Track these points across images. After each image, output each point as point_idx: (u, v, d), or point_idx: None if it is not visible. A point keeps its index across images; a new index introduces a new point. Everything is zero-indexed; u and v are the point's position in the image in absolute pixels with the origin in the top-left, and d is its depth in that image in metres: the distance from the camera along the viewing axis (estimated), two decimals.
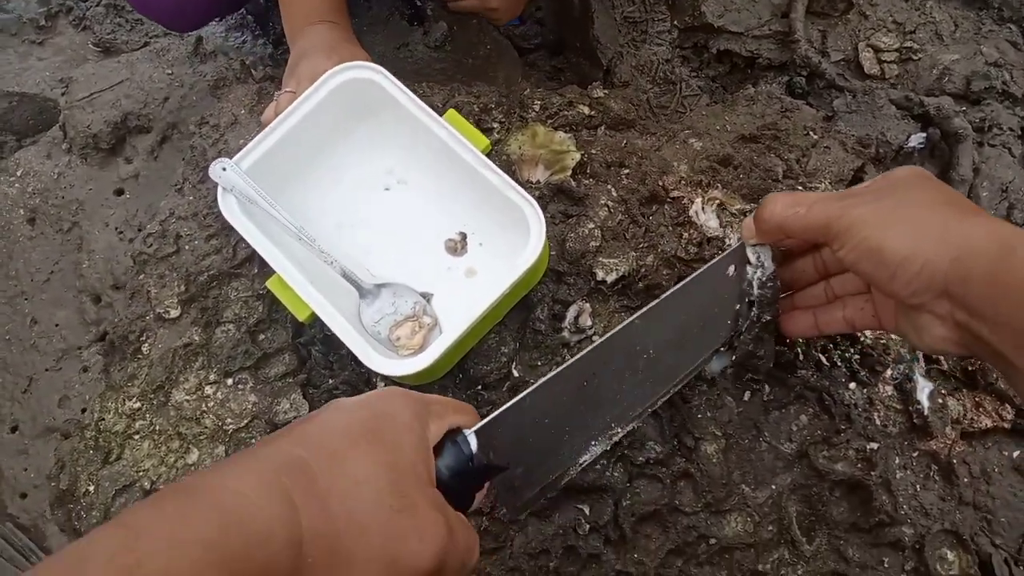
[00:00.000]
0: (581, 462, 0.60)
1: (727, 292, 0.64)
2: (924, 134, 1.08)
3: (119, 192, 1.01)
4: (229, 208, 0.67)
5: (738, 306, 0.65)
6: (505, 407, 0.54)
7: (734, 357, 0.69)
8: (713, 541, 0.70)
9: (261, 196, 0.66)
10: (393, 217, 0.75)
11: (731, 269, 0.63)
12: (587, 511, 0.69)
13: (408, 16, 1.18)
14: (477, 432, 0.51)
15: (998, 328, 0.45)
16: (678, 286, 0.62)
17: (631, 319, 0.60)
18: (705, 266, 0.63)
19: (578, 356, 0.57)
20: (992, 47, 1.16)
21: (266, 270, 0.74)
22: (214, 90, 0.96)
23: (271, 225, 0.68)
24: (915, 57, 1.15)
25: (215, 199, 0.70)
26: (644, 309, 0.60)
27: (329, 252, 0.67)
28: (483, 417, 0.53)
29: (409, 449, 0.45)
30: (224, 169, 0.66)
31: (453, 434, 0.50)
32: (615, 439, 0.61)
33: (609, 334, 0.59)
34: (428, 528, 0.42)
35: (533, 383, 0.56)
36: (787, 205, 0.55)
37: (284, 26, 0.91)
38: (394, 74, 0.74)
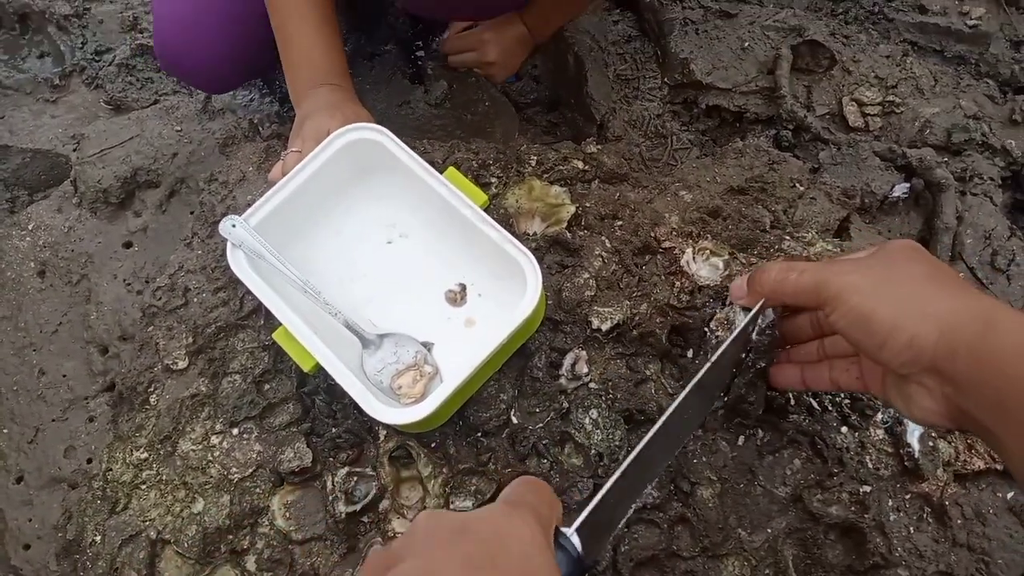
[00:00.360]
0: (620, 525, 0.62)
1: (739, 346, 0.65)
2: (908, 184, 1.11)
3: (127, 245, 1.04)
4: (238, 263, 0.69)
5: (743, 355, 0.67)
6: (598, 498, 0.51)
7: (726, 399, 0.71)
8: None
9: (269, 251, 0.69)
10: (395, 269, 0.78)
11: (751, 327, 0.65)
12: None
13: (409, 75, 1.23)
14: (577, 530, 0.49)
15: (982, 402, 0.46)
16: (722, 348, 0.62)
17: (687, 390, 0.59)
18: (738, 329, 0.64)
19: (649, 436, 0.56)
20: (971, 100, 1.20)
21: (271, 322, 0.77)
22: (223, 148, 1.00)
23: (277, 279, 0.71)
24: (897, 110, 1.19)
25: (223, 253, 0.73)
26: (697, 376, 0.60)
27: (333, 304, 0.70)
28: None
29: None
30: (234, 226, 0.69)
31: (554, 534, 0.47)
32: (645, 494, 0.64)
33: (671, 409, 0.58)
34: None
35: (613, 468, 0.58)
36: (780, 271, 0.57)
37: (289, 89, 0.95)
38: (396, 131, 0.77)
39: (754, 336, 0.65)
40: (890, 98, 1.20)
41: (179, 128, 1.12)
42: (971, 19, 1.25)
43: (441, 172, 0.75)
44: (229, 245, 0.70)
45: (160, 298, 0.80)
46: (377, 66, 1.21)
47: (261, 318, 0.78)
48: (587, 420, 0.75)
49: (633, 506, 0.61)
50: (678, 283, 0.81)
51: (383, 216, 0.79)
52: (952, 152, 1.17)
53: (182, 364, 0.78)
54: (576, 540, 0.48)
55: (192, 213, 0.89)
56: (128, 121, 1.16)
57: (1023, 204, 1.18)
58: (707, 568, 0.71)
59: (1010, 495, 0.78)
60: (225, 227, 0.69)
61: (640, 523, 0.71)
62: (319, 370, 0.67)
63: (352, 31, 1.26)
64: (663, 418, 0.58)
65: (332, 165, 0.75)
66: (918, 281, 0.51)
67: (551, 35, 1.18)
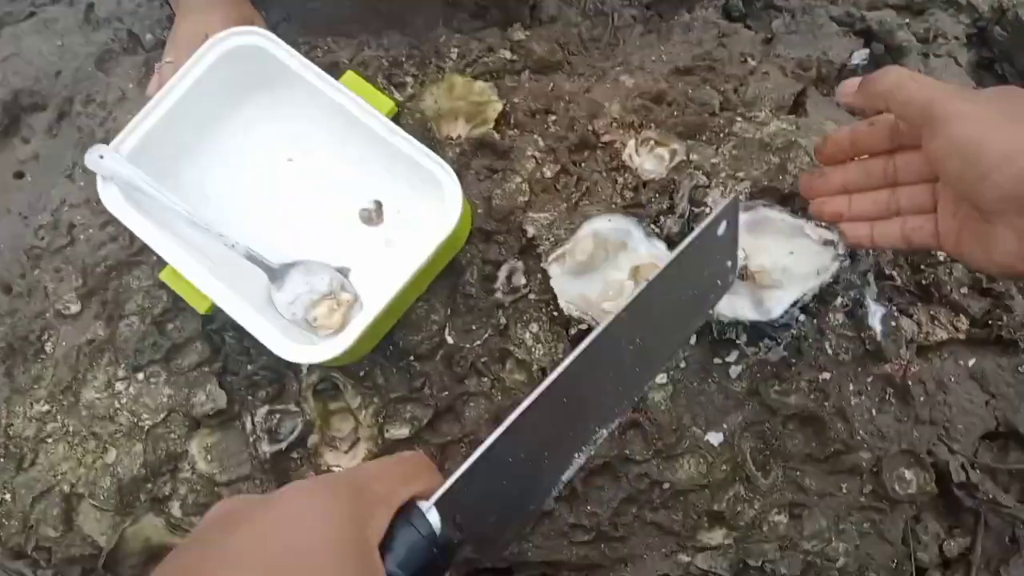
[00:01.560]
0: (564, 479, 0.50)
1: (719, 253, 0.57)
2: (867, 50, 1.04)
3: (19, 175, 0.94)
4: (111, 198, 0.61)
5: (729, 262, 0.57)
6: (470, 462, 0.42)
7: None
8: (666, 486, 0.69)
9: (146, 182, 0.61)
10: (301, 190, 0.70)
11: (722, 227, 0.55)
12: None
13: None
14: (437, 502, 0.41)
15: None
16: (666, 265, 0.52)
17: (615, 315, 0.49)
18: (694, 233, 0.53)
19: (555, 375, 0.46)
20: None
21: None
22: (100, 63, 0.88)
23: (164, 212, 0.63)
24: None
25: None
26: (630, 299, 0.50)
27: (229, 235, 0.63)
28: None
29: None
30: (102, 157, 0.60)
31: (407, 510, 0.40)
32: (599, 441, 0.51)
33: (590, 338, 0.47)
34: None
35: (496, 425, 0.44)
36: (902, 76, 0.53)
37: None
38: (300, 28, 0.67)
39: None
40: None
41: (60, 43, 0.99)
42: None
43: (339, 78, 0.66)
44: (99, 179, 0.61)
45: (43, 237, 0.73)
46: None
47: (154, 253, 0.70)
48: (527, 335, 0.71)
49: (581, 454, 0.49)
50: (620, 179, 0.76)
51: (281, 132, 0.70)
52: (914, 12, 1.08)
53: (75, 308, 0.71)
54: (434, 514, 0.40)
55: (72, 142, 0.79)
56: (1, 39, 1.02)
57: (988, 62, 1.11)
58: (662, 469, 0.69)
59: (971, 362, 0.78)
60: (92, 159, 0.60)
61: None
62: (218, 309, 0.61)
63: None
64: (589, 340, 0.47)
65: (212, 77, 0.65)
66: None
67: None
